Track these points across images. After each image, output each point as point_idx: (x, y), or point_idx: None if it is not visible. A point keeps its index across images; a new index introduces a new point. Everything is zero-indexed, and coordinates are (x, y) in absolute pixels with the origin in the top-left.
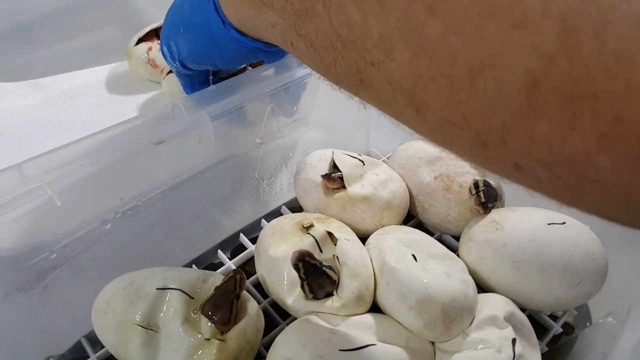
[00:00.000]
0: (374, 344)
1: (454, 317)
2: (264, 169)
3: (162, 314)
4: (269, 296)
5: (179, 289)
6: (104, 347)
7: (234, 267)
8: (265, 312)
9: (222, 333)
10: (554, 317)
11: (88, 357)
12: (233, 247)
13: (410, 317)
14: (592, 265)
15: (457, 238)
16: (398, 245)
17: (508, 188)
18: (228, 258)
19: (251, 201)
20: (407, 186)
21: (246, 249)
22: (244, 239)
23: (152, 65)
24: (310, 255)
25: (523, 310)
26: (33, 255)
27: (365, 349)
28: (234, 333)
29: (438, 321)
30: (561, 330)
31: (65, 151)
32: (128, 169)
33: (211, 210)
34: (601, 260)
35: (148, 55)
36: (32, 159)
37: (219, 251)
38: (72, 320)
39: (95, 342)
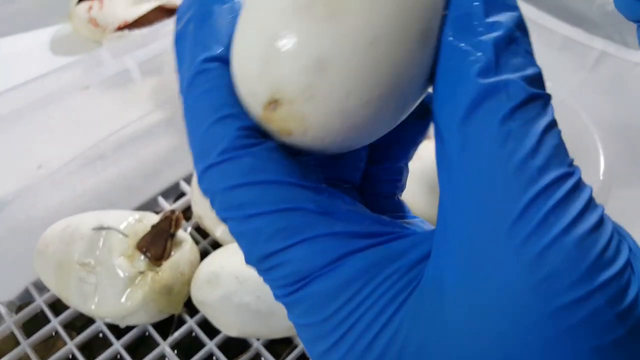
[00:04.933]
0: None
1: None
2: None
3: (98, 252)
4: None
5: (114, 228)
6: (49, 291)
7: None
8: (205, 252)
9: (157, 267)
10: None
11: (34, 301)
12: (175, 195)
13: None
14: None
15: None
16: None
17: None
18: (169, 205)
19: None
20: None
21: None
22: (184, 185)
23: (93, 25)
24: None
25: None
26: None
27: None
28: (167, 266)
29: None
30: None
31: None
32: (59, 116)
33: (151, 158)
34: None
35: (89, 14)
36: None
37: (160, 198)
38: (18, 268)
39: (42, 287)
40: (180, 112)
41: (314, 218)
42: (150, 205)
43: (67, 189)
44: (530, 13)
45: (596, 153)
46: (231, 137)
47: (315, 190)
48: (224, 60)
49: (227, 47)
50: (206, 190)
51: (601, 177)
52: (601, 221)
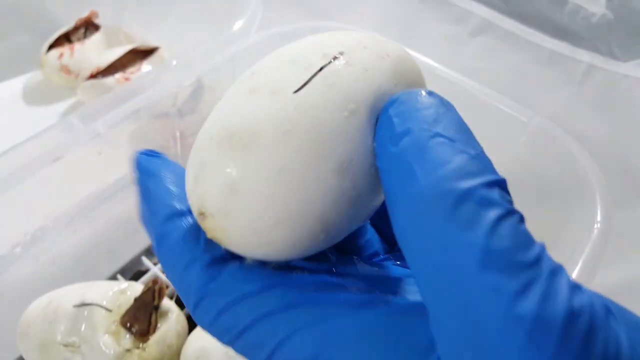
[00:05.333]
0: None
1: None
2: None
3: (82, 330)
4: None
5: (96, 304)
6: None
7: (160, 274)
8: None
9: (143, 343)
10: None
11: None
12: None
13: None
14: None
15: None
16: None
17: None
18: (153, 264)
19: None
20: None
21: None
22: None
23: (65, 72)
24: None
25: None
26: None
27: None
28: (153, 341)
29: None
30: None
31: None
32: (29, 190)
33: (131, 218)
34: None
35: (60, 61)
36: None
37: (143, 258)
38: (2, 345)
39: None
40: None
41: (284, 318)
42: (134, 266)
43: (46, 258)
44: (514, 28)
45: (592, 174)
46: (199, 281)
47: (283, 288)
48: (180, 213)
49: (180, 199)
50: (200, 325)
51: (598, 199)
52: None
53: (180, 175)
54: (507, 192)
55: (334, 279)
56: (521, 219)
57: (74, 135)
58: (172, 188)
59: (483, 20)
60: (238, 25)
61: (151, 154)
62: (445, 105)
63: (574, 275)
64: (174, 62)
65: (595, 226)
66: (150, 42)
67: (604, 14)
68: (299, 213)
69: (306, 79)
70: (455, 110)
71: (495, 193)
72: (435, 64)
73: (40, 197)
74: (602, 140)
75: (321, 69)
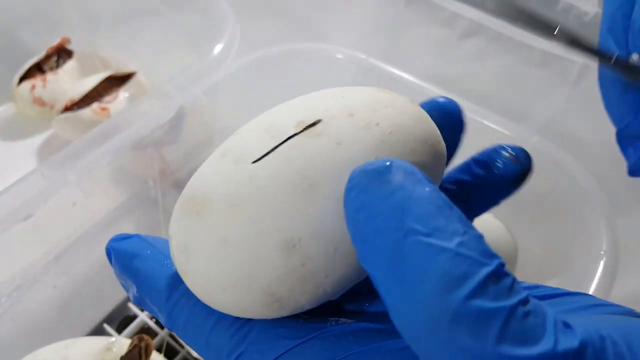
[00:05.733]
0: None
1: None
2: (164, 210)
3: None
4: None
5: None
6: None
7: (148, 321)
8: None
9: None
10: None
11: None
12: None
13: None
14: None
15: None
16: None
17: None
18: (140, 310)
19: None
20: None
21: None
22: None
23: (39, 104)
24: None
25: None
26: None
27: None
28: None
29: None
30: None
31: None
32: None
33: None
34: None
35: (33, 93)
36: None
37: (129, 304)
38: None
39: None
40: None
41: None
42: (121, 312)
43: (25, 317)
44: (505, 29)
45: (592, 190)
46: (229, 342)
47: (321, 341)
48: (181, 279)
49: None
50: None
51: (600, 214)
52: None
53: (159, 243)
54: (505, 275)
55: (370, 325)
56: (527, 302)
57: (46, 186)
58: (161, 258)
59: (472, 22)
60: (218, 48)
61: (123, 237)
62: (410, 181)
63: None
64: (153, 96)
65: (602, 249)
66: (127, 66)
67: (596, 12)
68: (242, 284)
69: (269, 149)
70: (424, 181)
71: (490, 295)
72: (426, 85)
73: (12, 254)
74: (599, 143)
75: (287, 139)
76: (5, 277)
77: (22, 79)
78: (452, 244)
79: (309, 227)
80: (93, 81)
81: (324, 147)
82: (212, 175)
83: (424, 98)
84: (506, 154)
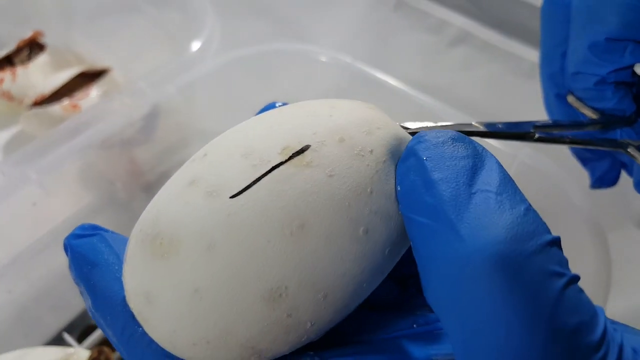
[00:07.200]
0: None
1: None
2: (132, 214)
3: None
4: None
5: None
6: None
7: None
8: None
9: None
10: None
11: None
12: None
13: None
14: None
15: None
16: None
17: None
18: None
19: None
20: None
21: None
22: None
23: (7, 99)
24: None
25: None
26: None
27: None
28: None
29: None
30: None
31: None
32: None
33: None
34: None
35: (1, 87)
36: None
37: (65, 334)
38: None
39: None
40: None
41: None
42: (82, 320)
43: None
44: (494, 39)
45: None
46: None
47: None
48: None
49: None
50: None
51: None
52: None
53: (122, 248)
54: (562, 251)
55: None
56: (578, 282)
57: (3, 184)
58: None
59: (460, 30)
60: (196, 45)
61: (84, 233)
62: (480, 153)
63: None
64: (124, 93)
65: (593, 266)
66: (102, 62)
67: None
68: (216, 339)
69: (250, 180)
70: (493, 158)
71: (555, 257)
72: (412, 91)
73: None
74: None
75: (272, 169)
76: None
77: None
78: (521, 206)
79: (297, 274)
80: (64, 77)
81: (315, 179)
82: (179, 209)
83: (410, 105)
84: None
